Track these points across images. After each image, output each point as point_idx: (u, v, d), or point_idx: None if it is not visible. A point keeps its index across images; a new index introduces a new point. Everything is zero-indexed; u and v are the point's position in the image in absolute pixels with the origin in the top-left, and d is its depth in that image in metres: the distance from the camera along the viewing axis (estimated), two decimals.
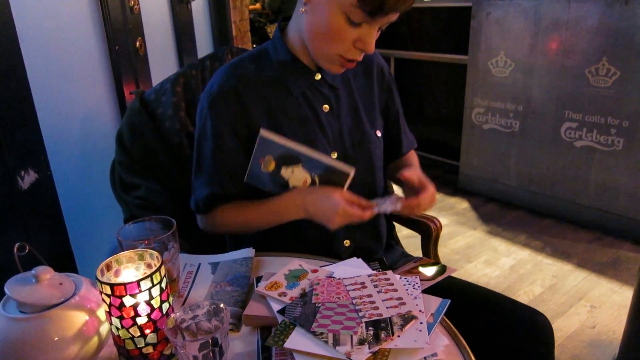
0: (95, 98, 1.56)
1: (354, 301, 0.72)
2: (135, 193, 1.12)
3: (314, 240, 0.98)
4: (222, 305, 0.63)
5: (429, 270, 0.91)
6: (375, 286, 0.76)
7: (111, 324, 0.63)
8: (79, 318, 0.63)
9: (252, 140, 0.92)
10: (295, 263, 0.86)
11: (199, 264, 0.90)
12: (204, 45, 2.02)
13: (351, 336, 0.65)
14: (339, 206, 0.85)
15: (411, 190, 0.95)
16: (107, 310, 0.61)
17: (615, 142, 2.29)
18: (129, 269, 0.67)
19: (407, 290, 0.76)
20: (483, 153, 2.88)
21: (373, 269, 0.84)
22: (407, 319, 0.68)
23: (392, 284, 0.77)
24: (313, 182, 0.92)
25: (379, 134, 1.03)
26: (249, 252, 0.91)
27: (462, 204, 2.89)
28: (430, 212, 1.26)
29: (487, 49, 2.68)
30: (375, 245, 1.06)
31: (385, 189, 1.13)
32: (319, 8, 0.83)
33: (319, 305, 0.72)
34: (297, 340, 0.66)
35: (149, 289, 0.61)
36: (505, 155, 2.76)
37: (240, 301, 0.78)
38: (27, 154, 1.24)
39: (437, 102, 3.40)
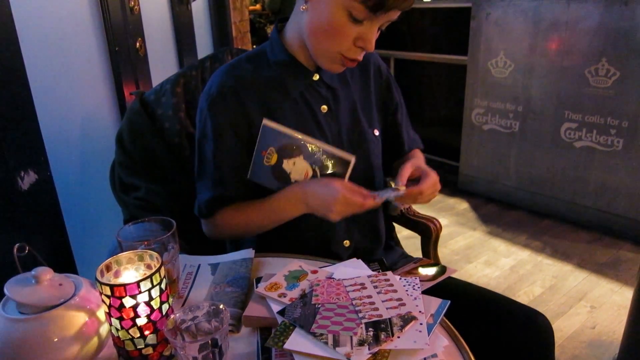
0: (95, 99, 1.56)
1: (354, 302, 0.72)
2: (135, 194, 1.12)
3: (313, 240, 0.98)
4: (221, 306, 0.63)
5: (429, 271, 0.91)
6: (375, 287, 0.76)
7: (111, 325, 0.62)
8: (79, 319, 0.63)
9: (253, 140, 0.92)
10: (295, 264, 0.86)
11: (199, 265, 0.90)
12: (204, 46, 2.02)
13: (351, 337, 0.65)
14: (339, 193, 0.84)
15: (414, 182, 0.93)
16: (107, 311, 0.61)
17: (615, 143, 2.29)
18: (129, 270, 0.67)
19: (407, 291, 0.76)
20: (483, 154, 2.89)
21: (373, 270, 0.84)
22: (407, 319, 0.68)
23: (391, 285, 0.77)
24: (314, 175, 0.92)
25: (376, 133, 1.03)
26: (248, 253, 0.91)
27: (462, 205, 2.89)
28: (430, 213, 1.27)
29: (487, 50, 2.68)
30: (374, 245, 1.06)
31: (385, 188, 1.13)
32: (320, 5, 0.83)
33: (319, 306, 0.72)
34: (297, 341, 0.66)
35: (149, 290, 0.61)
36: (505, 156, 2.76)
37: (240, 302, 0.78)
38: (27, 155, 1.24)
39: (437, 103, 3.40)
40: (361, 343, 0.64)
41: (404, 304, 0.71)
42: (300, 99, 0.96)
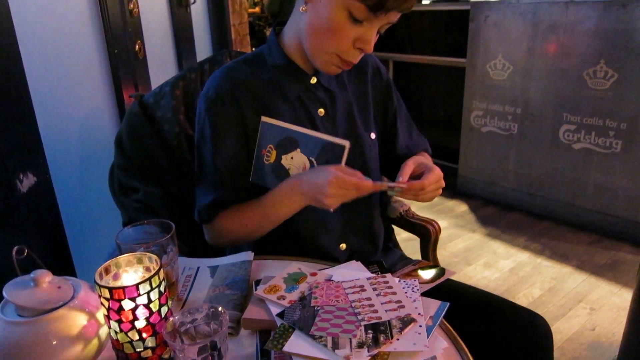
0: (95, 101, 1.56)
1: (353, 304, 0.72)
2: (134, 196, 1.11)
3: (309, 244, 0.97)
4: (220, 308, 0.63)
5: (428, 273, 0.91)
6: (374, 289, 0.76)
7: (110, 327, 0.62)
8: (78, 322, 0.63)
9: (250, 142, 0.92)
10: (294, 266, 0.86)
11: (198, 268, 0.90)
12: (203, 48, 2.03)
13: (350, 339, 0.65)
14: (331, 174, 0.81)
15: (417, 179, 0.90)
16: (106, 313, 0.61)
17: (614, 144, 2.30)
18: (128, 272, 0.67)
19: (406, 293, 0.76)
20: (482, 156, 2.89)
21: (372, 272, 0.84)
22: (406, 322, 0.68)
23: (391, 287, 0.77)
24: (312, 166, 0.92)
25: (373, 136, 1.03)
26: (247, 255, 0.91)
27: (461, 207, 2.89)
28: (429, 215, 1.27)
29: (486, 52, 2.69)
30: (371, 249, 1.05)
31: (385, 196, 1.12)
32: (320, 5, 0.83)
33: (318, 308, 0.72)
34: (296, 343, 0.66)
35: (148, 293, 0.61)
36: (504, 158, 2.77)
37: (239, 305, 0.78)
38: (26, 158, 1.24)
39: (436, 105, 3.41)
40: (360, 345, 0.64)
41: (403, 306, 0.71)
42: (297, 102, 0.95)
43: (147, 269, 0.67)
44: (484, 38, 2.67)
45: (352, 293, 0.75)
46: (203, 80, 1.18)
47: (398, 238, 1.22)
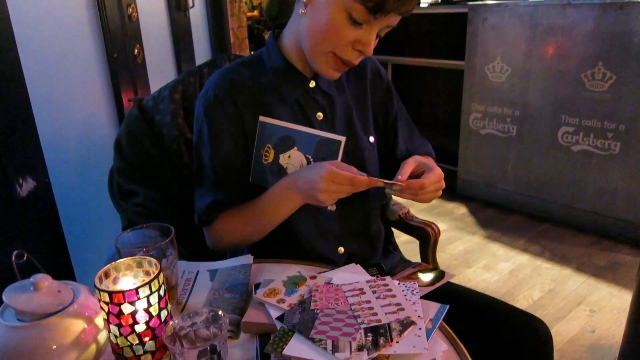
0: (94, 105, 1.56)
1: (353, 307, 0.72)
2: (133, 200, 1.12)
3: (307, 246, 0.97)
4: (220, 312, 0.63)
5: (428, 276, 0.91)
6: (374, 292, 0.76)
7: (109, 331, 0.62)
8: (77, 326, 0.63)
9: (249, 144, 0.92)
10: (293, 269, 0.86)
11: (198, 271, 0.90)
12: (202, 52, 2.03)
13: (350, 342, 0.65)
14: (324, 169, 0.80)
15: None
16: (105, 318, 0.61)
17: (612, 146, 2.30)
18: (127, 276, 0.67)
19: (405, 296, 0.76)
20: (481, 158, 2.89)
21: (371, 275, 0.84)
22: (405, 324, 0.68)
23: (390, 290, 0.77)
24: (308, 164, 0.92)
25: (372, 139, 1.02)
26: (247, 259, 0.91)
27: (461, 209, 2.89)
28: (429, 218, 1.27)
29: (484, 55, 2.69)
30: (369, 252, 1.05)
31: (382, 196, 1.12)
32: (319, 7, 0.83)
33: (318, 311, 0.72)
34: (296, 346, 0.66)
35: (148, 297, 0.61)
36: (503, 160, 2.77)
37: (238, 308, 0.78)
38: (26, 162, 1.24)
39: (435, 108, 3.41)
40: (360, 348, 0.64)
41: (402, 309, 0.71)
42: (296, 105, 0.96)
43: (147, 273, 0.67)
44: (482, 40, 2.68)
45: (352, 296, 0.75)
46: (202, 84, 1.18)
47: (397, 241, 1.22)
